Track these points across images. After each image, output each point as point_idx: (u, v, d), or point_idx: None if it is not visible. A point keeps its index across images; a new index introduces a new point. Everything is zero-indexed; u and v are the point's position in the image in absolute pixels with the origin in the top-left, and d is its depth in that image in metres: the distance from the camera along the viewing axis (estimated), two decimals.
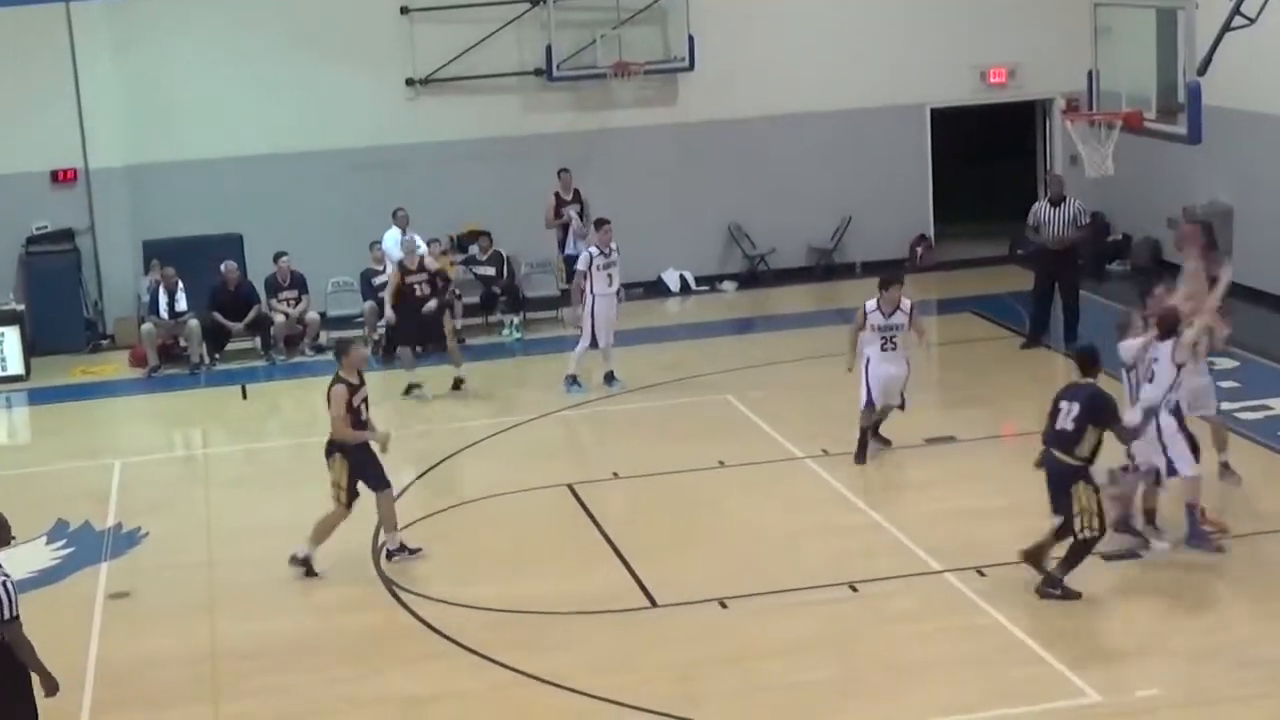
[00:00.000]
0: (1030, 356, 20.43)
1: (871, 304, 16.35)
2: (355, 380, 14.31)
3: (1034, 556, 13.02)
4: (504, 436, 18.27)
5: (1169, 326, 13.63)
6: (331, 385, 14.27)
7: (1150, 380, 13.56)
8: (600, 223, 19.92)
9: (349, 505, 14.24)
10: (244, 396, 20.83)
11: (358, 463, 14.22)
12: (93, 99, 23.21)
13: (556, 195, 22.99)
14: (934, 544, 14.13)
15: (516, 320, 22.98)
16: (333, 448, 14.25)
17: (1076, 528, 12.75)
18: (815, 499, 15.72)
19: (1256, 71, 20.30)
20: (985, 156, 27.88)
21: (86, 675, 12.65)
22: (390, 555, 14.58)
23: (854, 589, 13.39)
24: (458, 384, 20.04)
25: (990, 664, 12.00)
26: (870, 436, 16.62)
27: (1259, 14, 16.44)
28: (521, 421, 18.72)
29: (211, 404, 20.81)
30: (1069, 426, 12.76)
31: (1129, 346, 13.83)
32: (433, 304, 19.99)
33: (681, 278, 25.06)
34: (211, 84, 23.47)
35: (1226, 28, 16.35)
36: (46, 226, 23.27)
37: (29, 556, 15.19)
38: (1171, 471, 13.54)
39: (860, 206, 25.06)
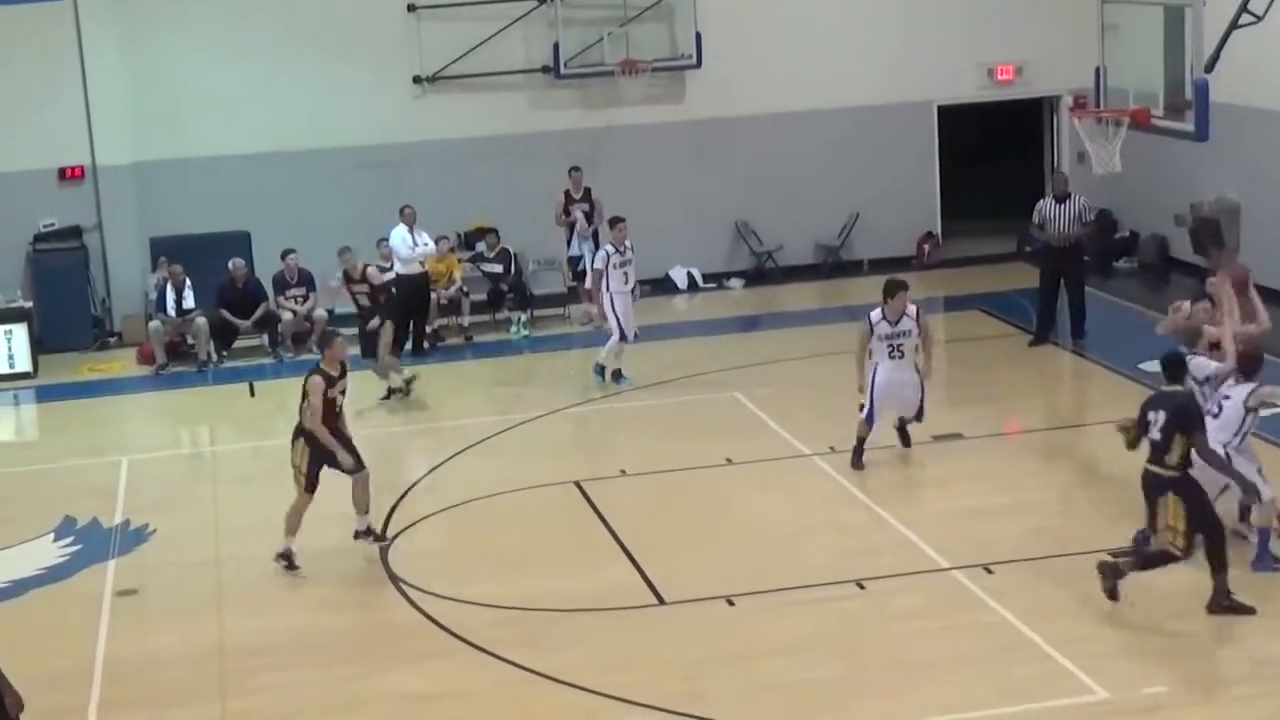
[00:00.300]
0: (1038, 354, 20.39)
1: (876, 314, 16.14)
2: (335, 373, 14.38)
3: (1220, 600, 12.51)
4: (511, 433, 18.27)
5: (1252, 369, 13.19)
6: (310, 375, 14.35)
7: (1216, 415, 13.04)
8: (615, 221, 19.87)
9: (309, 490, 14.35)
10: (251, 394, 20.83)
11: (320, 451, 14.30)
12: (100, 96, 23.20)
13: (566, 194, 22.99)
14: (941, 541, 14.12)
15: (524, 318, 22.98)
16: (300, 433, 14.37)
17: (1164, 540, 12.49)
18: (822, 496, 15.70)
19: (1264, 68, 20.26)
20: (992, 154, 27.82)
21: (94, 672, 12.66)
22: (356, 535, 14.63)
23: (861, 586, 13.38)
24: (389, 393, 19.51)
25: (996, 661, 11.99)
26: (895, 429, 16.59)
27: (1266, 11, 16.42)
28: (529, 418, 18.72)
29: (219, 401, 20.80)
30: (1157, 437, 12.52)
31: (1203, 366, 13.51)
32: (375, 322, 19.45)
33: (689, 275, 25.04)
34: (219, 81, 23.47)
35: (1234, 25, 16.33)
36: (54, 224, 23.24)
37: (36, 553, 15.26)
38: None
39: (867, 204, 25.03)
